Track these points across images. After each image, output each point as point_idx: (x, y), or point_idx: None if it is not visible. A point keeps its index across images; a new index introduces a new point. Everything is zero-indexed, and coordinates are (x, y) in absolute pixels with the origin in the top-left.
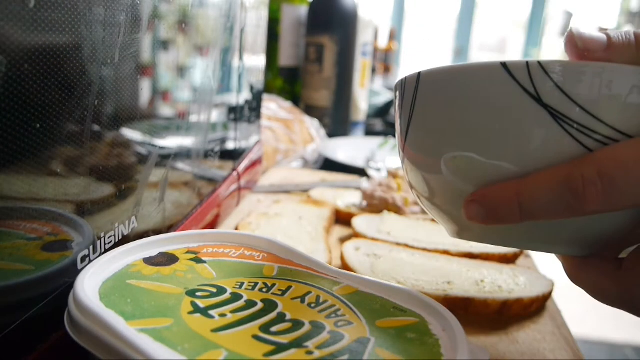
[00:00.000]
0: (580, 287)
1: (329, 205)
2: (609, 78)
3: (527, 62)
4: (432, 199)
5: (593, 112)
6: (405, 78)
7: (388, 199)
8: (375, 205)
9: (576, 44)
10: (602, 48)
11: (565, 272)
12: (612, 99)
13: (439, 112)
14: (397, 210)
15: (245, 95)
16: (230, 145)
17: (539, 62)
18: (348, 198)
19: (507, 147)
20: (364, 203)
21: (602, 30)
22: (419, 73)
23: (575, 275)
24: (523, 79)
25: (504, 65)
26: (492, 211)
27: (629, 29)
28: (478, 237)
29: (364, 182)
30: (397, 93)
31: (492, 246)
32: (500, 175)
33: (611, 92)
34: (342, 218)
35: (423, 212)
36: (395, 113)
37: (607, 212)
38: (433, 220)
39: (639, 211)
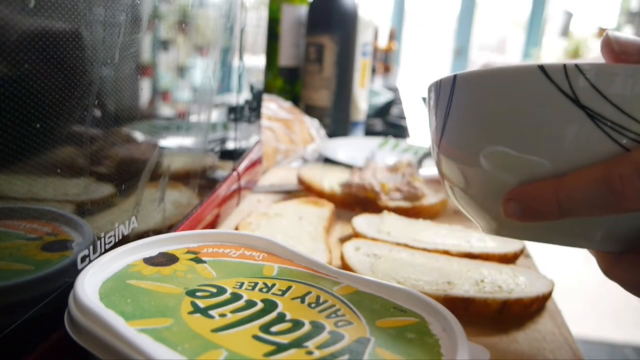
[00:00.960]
0: (616, 282)
1: (329, 205)
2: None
3: (564, 65)
4: (469, 195)
5: (627, 111)
6: (440, 80)
7: (366, 185)
8: (354, 193)
9: (612, 47)
10: (638, 51)
11: (600, 267)
12: None
13: (475, 112)
14: (375, 196)
15: (245, 95)
16: (230, 145)
17: (575, 65)
18: (334, 179)
19: (545, 145)
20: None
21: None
22: (455, 75)
23: (611, 270)
24: (560, 81)
25: (541, 68)
26: (530, 208)
27: (629, 29)
28: (514, 234)
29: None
30: (432, 94)
31: (492, 246)
32: (538, 172)
33: None
34: (326, 199)
35: (402, 200)
36: (430, 112)
37: None
38: (396, 211)
39: None
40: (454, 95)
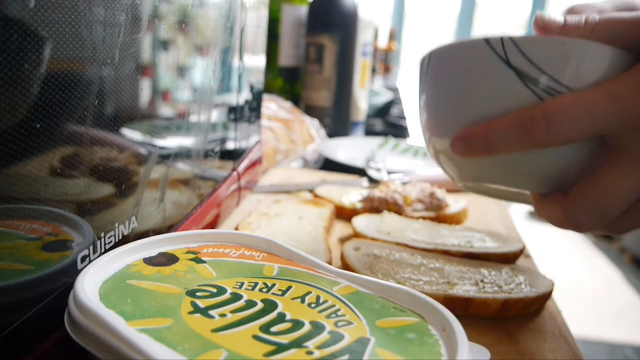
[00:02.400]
0: (542, 219)
1: (328, 205)
2: (553, 46)
3: (501, 37)
4: (438, 146)
5: (539, 67)
6: (423, 55)
7: (388, 198)
8: (375, 207)
9: (538, 24)
10: (558, 28)
11: (534, 209)
12: (555, 59)
13: (442, 74)
14: (397, 209)
15: (245, 95)
16: (230, 145)
17: (510, 37)
18: (353, 195)
19: (484, 96)
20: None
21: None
22: (431, 50)
23: (538, 209)
24: (498, 48)
25: (486, 39)
26: (469, 145)
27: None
28: (468, 178)
29: (364, 182)
30: (419, 66)
31: (492, 246)
32: (478, 119)
33: (554, 55)
34: (346, 215)
35: (425, 210)
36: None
37: (552, 145)
38: (433, 220)
39: (578, 148)
40: (430, 66)
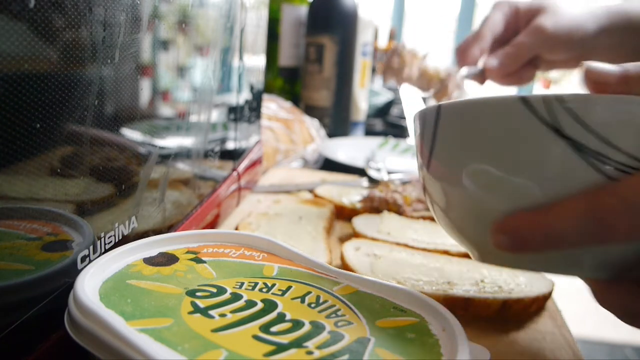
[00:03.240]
0: (609, 310)
1: (329, 205)
2: (622, 108)
3: (545, 96)
4: (459, 226)
5: (609, 140)
6: (425, 110)
7: (388, 198)
8: (375, 207)
9: (592, 78)
10: (616, 81)
11: (592, 294)
12: (626, 127)
13: (459, 141)
14: (397, 209)
15: (245, 95)
16: (230, 145)
17: (556, 96)
18: (353, 195)
19: (529, 173)
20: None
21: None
22: (439, 106)
23: (603, 298)
24: (542, 112)
25: (523, 99)
26: (518, 240)
27: None
28: (503, 262)
29: (364, 182)
30: (417, 122)
31: None
32: (525, 202)
33: (624, 121)
34: (346, 215)
35: (425, 210)
36: (416, 141)
37: (636, 239)
38: (433, 220)
39: None
40: (439, 125)
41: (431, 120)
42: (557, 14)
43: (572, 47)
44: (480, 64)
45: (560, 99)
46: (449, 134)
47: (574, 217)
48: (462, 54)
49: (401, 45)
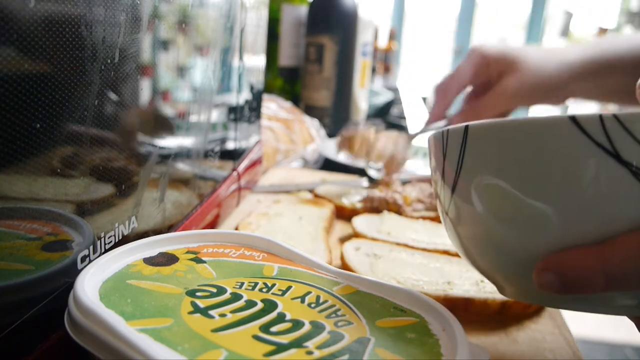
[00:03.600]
0: None
1: (329, 205)
2: None
3: (600, 116)
4: (489, 257)
5: None
6: (447, 130)
7: (388, 198)
8: (375, 207)
9: None
10: None
11: (637, 329)
12: None
13: (493, 168)
14: (397, 209)
15: (245, 95)
16: (230, 145)
17: (614, 115)
18: (353, 195)
19: (580, 205)
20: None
21: None
22: (467, 126)
23: None
24: (597, 134)
25: (573, 119)
26: (571, 280)
27: (628, 29)
28: (542, 301)
29: (364, 182)
30: (433, 143)
31: None
32: (576, 238)
33: None
34: (346, 215)
35: (425, 210)
36: (433, 166)
37: None
38: (433, 220)
39: None
40: (466, 147)
41: (458, 140)
42: (525, 71)
43: (539, 100)
44: (442, 123)
45: (618, 119)
46: (481, 157)
47: (633, 255)
48: (442, 93)
49: (356, 126)
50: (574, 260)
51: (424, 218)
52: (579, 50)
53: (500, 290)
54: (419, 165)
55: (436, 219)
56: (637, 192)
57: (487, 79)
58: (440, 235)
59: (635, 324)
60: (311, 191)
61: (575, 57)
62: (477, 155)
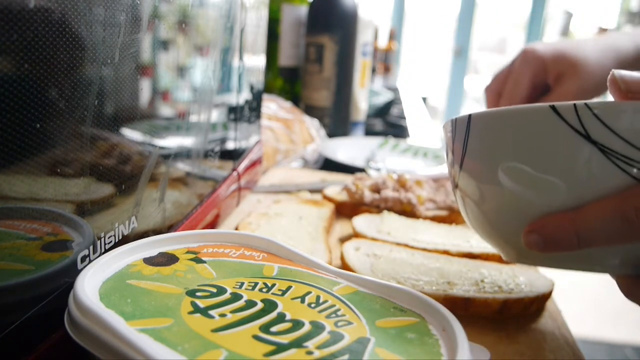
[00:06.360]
0: (637, 302)
1: (329, 205)
2: None
3: (574, 104)
4: (491, 222)
5: (636, 143)
6: (455, 119)
7: (402, 198)
8: (390, 207)
9: (619, 86)
10: None
11: (620, 288)
12: None
13: (490, 150)
14: (412, 209)
15: (245, 95)
16: (230, 145)
17: (585, 104)
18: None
19: (560, 177)
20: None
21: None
22: (470, 115)
23: (630, 292)
24: (572, 119)
25: (552, 107)
26: (550, 240)
27: (628, 28)
28: (534, 261)
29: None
30: (449, 129)
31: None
32: (556, 202)
33: None
34: (346, 210)
35: (437, 209)
36: (447, 147)
37: None
38: (433, 220)
39: None
40: (470, 132)
41: (463, 122)
42: (585, 73)
43: (600, 95)
44: None
45: (588, 106)
46: (480, 143)
47: (603, 218)
48: (495, 96)
49: (359, 178)
50: (552, 223)
51: (435, 218)
52: (630, 39)
53: (503, 255)
54: (419, 165)
55: (445, 219)
56: (603, 166)
57: (544, 82)
58: (441, 235)
59: (617, 282)
60: (313, 191)
61: (629, 47)
62: (479, 138)
